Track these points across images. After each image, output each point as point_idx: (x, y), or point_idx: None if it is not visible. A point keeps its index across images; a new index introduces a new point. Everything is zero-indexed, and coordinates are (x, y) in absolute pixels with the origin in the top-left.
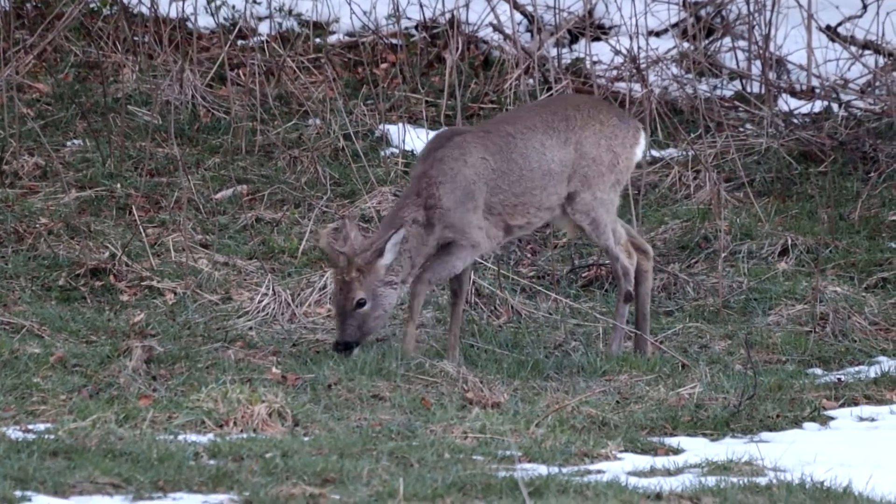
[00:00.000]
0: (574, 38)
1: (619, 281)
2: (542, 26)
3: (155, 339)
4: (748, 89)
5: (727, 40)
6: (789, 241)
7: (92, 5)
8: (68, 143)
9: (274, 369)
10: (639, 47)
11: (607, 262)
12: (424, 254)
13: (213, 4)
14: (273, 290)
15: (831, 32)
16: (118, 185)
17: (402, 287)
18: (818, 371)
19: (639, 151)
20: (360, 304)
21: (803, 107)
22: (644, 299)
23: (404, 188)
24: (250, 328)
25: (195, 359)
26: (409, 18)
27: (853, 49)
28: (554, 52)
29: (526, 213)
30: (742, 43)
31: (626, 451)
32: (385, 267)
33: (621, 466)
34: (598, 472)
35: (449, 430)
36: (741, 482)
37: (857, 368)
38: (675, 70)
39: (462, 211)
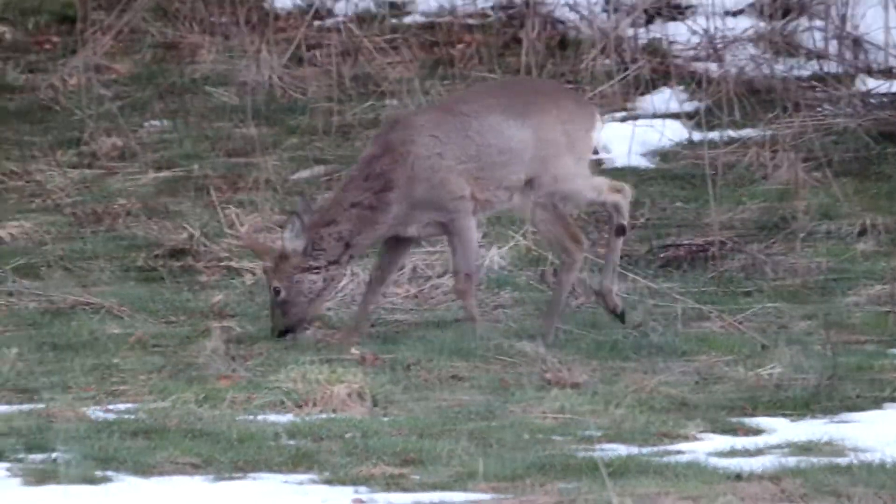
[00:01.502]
0: (651, 18)
1: (611, 216)
2: (618, 6)
3: (234, 319)
4: (825, 69)
5: (804, 20)
6: (868, 222)
7: None
8: (146, 124)
9: (353, 350)
10: (716, 27)
11: (685, 242)
12: (373, 235)
13: None
14: (351, 271)
15: None
16: (196, 166)
17: (334, 267)
18: None
19: (595, 135)
20: (277, 292)
21: (881, 86)
22: (564, 286)
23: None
24: (329, 309)
25: (274, 339)
26: None
27: None
28: (631, 32)
29: (486, 189)
30: (819, 22)
31: (706, 431)
32: (295, 253)
33: (701, 447)
34: (678, 452)
35: (528, 410)
36: (822, 463)
37: None
38: (752, 50)
39: (425, 189)
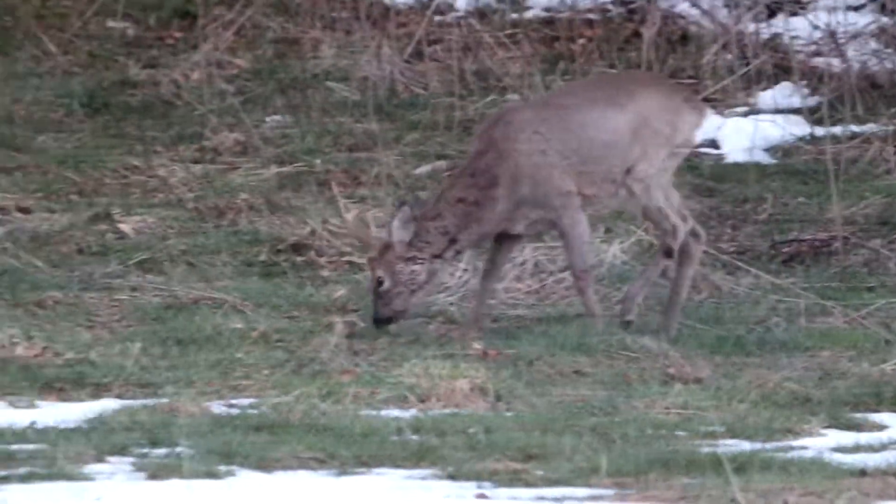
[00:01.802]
0: (772, 13)
1: (663, 236)
2: (739, 1)
3: (356, 314)
4: None
5: None
6: None
7: None
8: (268, 119)
9: (475, 345)
10: (837, 22)
11: (807, 237)
12: (479, 231)
13: None
14: (474, 265)
15: None
16: (317, 161)
17: (438, 262)
18: None
19: (698, 132)
20: (379, 281)
21: None
22: (683, 282)
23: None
24: (451, 303)
25: (397, 334)
26: None
27: None
28: (752, 27)
29: (593, 184)
30: None
31: (829, 427)
32: (401, 244)
33: (825, 443)
34: (802, 448)
35: (651, 405)
36: None
37: None
38: (874, 44)
39: (529, 186)
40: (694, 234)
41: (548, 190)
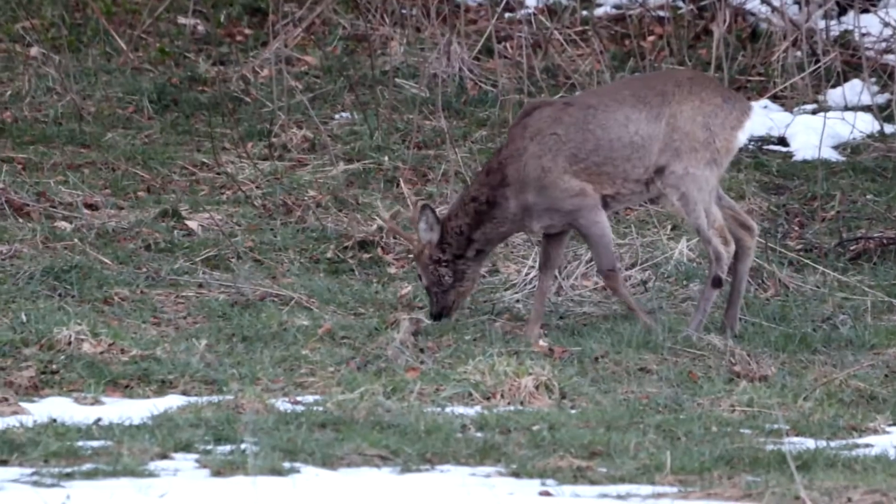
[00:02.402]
0: (842, 10)
1: (710, 265)
2: None
3: (422, 311)
4: None
5: None
6: None
7: None
8: (336, 116)
9: (541, 342)
10: None
11: (875, 235)
12: (494, 231)
13: None
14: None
15: None
16: (386, 158)
17: (461, 262)
18: None
19: (741, 135)
20: (420, 278)
21: None
22: (741, 276)
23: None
24: (517, 301)
25: (462, 331)
26: None
27: None
28: (822, 24)
29: (613, 184)
30: None
31: (894, 425)
32: (430, 245)
33: (890, 441)
34: (867, 446)
35: (716, 403)
36: None
37: None
38: None
39: (539, 185)
40: (745, 226)
41: (556, 195)
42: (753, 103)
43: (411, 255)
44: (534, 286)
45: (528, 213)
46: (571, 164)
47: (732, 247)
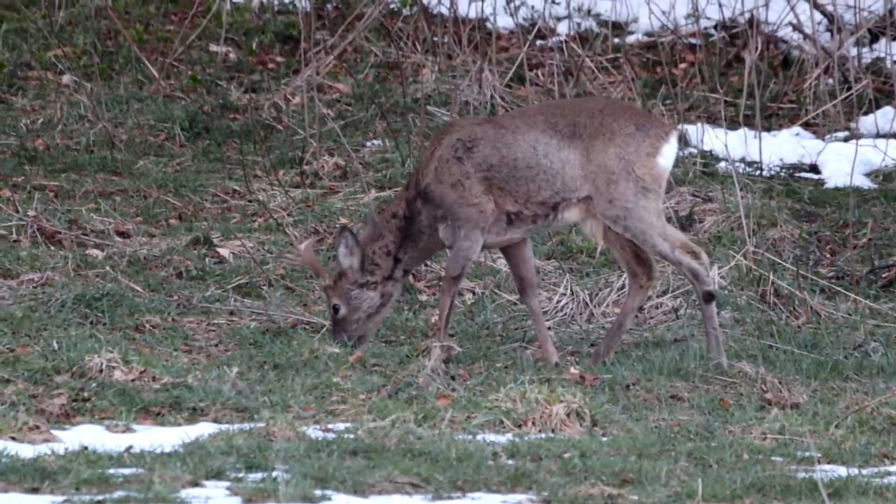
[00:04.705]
0: (874, 38)
1: (693, 285)
2: (842, 26)
3: (453, 338)
4: None
5: None
6: None
7: (392, 6)
8: (368, 144)
9: (572, 369)
10: None
11: None
12: (417, 246)
13: (512, 4)
14: (571, 290)
15: None
16: None
17: (390, 283)
18: None
19: (661, 160)
20: (336, 309)
21: None
22: (627, 312)
23: None
24: (549, 328)
25: (493, 359)
26: (707, 18)
27: None
28: (854, 51)
29: (515, 202)
30: None
31: None
32: (352, 270)
33: None
34: None
35: (747, 430)
36: None
37: None
38: None
39: (441, 189)
40: (647, 266)
41: (455, 199)
42: (676, 128)
43: (326, 284)
44: (565, 314)
45: (436, 221)
46: (476, 171)
47: (704, 256)
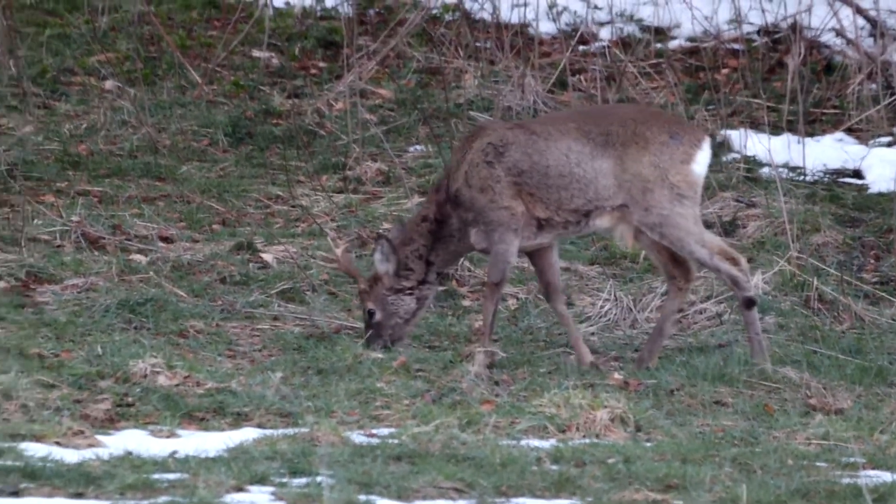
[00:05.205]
0: None
1: (734, 291)
2: (885, 30)
3: (497, 344)
4: None
5: None
6: None
7: (434, 11)
8: (410, 149)
9: (616, 375)
10: None
11: None
12: (447, 249)
13: (554, 10)
14: (615, 295)
15: None
16: None
17: (425, 287)
18: None
19: (696, 167)
20: (371, 314)
21: None
22: (667, 316)
23: None
24: (592, 333)
25: (537, 364)
26: (750, 23)
27: None
28: None
29: (546, 209)
30: None
31: None
32: (388, 276)
33: None
34: None
35: (792, 436)
36: None
37: None
38: None
39: (471, 193)
40: (684, 268)
41: (486, 203)
42: (708, 133)
43: (361, 289)
44: (608, 319)
45: (466, 225)
46: (507, 175)
47: (744, 262)
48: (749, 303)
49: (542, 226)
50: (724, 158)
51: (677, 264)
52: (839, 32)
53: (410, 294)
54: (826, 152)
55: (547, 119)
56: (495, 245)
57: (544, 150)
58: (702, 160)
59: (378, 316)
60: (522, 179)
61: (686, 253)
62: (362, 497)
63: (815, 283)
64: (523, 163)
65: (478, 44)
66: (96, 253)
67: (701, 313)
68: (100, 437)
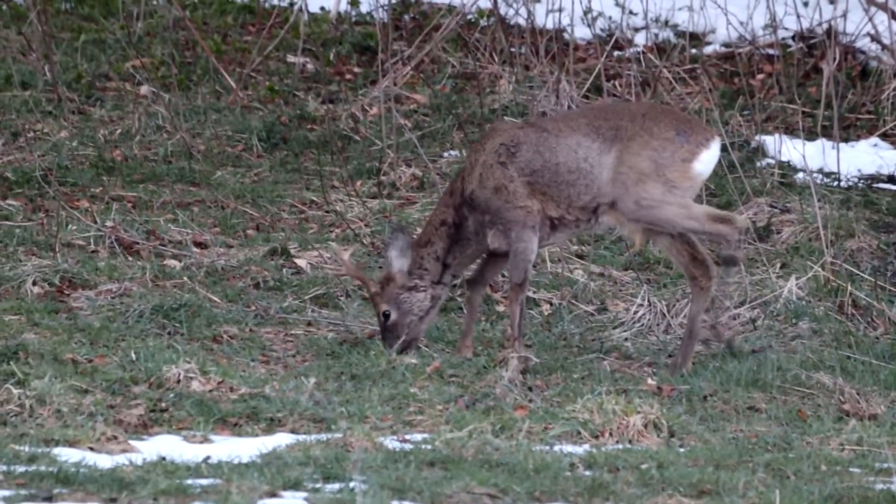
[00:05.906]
0: None
1: (720, 248)
2: None
3: (531, 349)
4: None
5: None
6: None
7: (469, 17)
8: (445, 154)
9: (649, 380)
10: None
11: None
12: (464, 251)
13: (589, 15)
14: (648, 300)
15: None
16: None
17: (439, 287)
18: None
19: (697, 166)
20: (386, 315)
21: None
22: (693, 317)
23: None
24: (626, 339)
25: (571, 369)
26: (786, 29)
27: None
28: None
29: (557, 207)
30: None
31: None
32: (401, 273)
33: None
34: None
35: (825, 441)
36: None
37: None
38: None
39: (486, 195)
40: (703, 265)
41: (502, 203)
42: (719, 134)
43: (373, 291)
44: (642, 325)
45: (483, 227)
46: (520, 176)
47: (739, 220)
48: (727, 260)
49: (555, 226)
50: (758, 164)
51: (697, 263)
52: (874, 38)
53: (423, 291)
54: (861, 158)
55: (559, 116)
56: (514, 244)
57: (555, 146)
58: (706, 159)
59: (394, 316)
60: (535, 178)
61: (678, 231)
62: (395, 502)
63: (850, 288)
64: (535, 161)
65: (513, 49)
66: (130, 258)
67: (734, 318)
68: (133, 443)
